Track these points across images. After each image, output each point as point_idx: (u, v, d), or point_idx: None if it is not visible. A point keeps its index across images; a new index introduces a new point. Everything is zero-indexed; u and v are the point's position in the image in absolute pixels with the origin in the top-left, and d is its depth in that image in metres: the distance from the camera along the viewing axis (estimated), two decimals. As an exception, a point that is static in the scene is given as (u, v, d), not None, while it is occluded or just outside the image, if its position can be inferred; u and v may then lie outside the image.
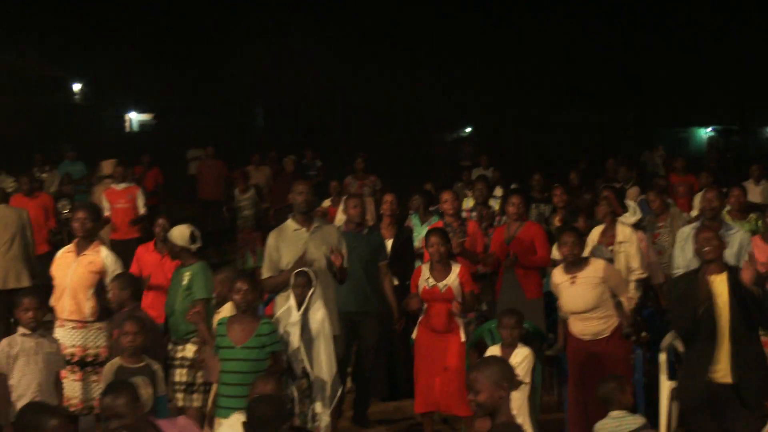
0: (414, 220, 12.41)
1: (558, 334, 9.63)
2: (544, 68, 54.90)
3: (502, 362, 5.95)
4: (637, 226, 11.75)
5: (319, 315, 8.75)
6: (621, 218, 11.35)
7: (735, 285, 7.50)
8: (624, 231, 10.78)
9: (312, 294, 8.73)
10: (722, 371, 7.43)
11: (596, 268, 9.07)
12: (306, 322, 8.69)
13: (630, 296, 9.39)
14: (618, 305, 9.11)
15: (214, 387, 8.43)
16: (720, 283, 7.52)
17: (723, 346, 7.46)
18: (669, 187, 15.39)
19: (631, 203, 12.57)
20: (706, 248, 7.60)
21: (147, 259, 11.07)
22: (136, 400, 5.95)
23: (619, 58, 55.77)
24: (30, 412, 5.65)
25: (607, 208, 11.06)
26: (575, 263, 9.07)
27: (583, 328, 9.03)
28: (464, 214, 12.18)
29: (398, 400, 11.10)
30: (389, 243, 11.16)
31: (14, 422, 5.86)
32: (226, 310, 8.65)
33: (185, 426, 6.24)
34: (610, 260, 9.80)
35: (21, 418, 5.66)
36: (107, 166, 17.49)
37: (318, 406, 8.57)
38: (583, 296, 8.95)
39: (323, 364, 8.72)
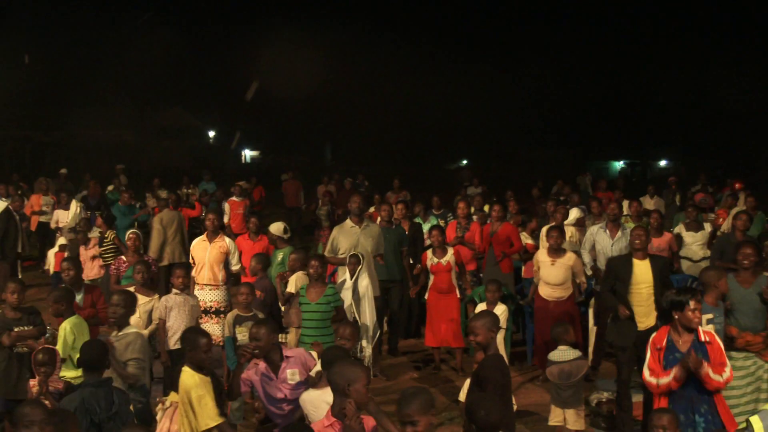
0: (419, 220, 12.63)
1: (530, 292, 9.79)
2: (515, 120, 54.98)
3: (492, 314, 6.17)
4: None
5: (364, 282, 8.89)
6: (566, 221, 11.54)
7: (659, 267, 7.60)
8: (570, 229, 11.02)
9: (360, 269, 8.88)
10: (644, 322, 7.51)
11: (569, 257, 9.32)
12: (356, 287, 8.85)
13: (583, 280, 9.53)
14: (574, 282, 9.39)
15: (293, 330, 8.53)
16: (644, 264, 7.59)
17: (645, 305, 7.55)
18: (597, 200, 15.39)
19: (575, 209, 12.61)
20: (637, 241, 7.69)
21: (243, 244, 11.17)
22: (272, 330, 6.03)
23: (562, 112, 55.76)
24: (189, 332, 5.78)
25: (562, 215, 11.27)
26: (557, 251, 9.31)
27: (550, 292, 9.31)
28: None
29: (415, 338, 11.24)
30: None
31: (180, 339, 5.94)
32: (296, 278, 8.72)
33: (297, 351, 6.28)
34: (577, 252, 9.88)
35: (184, 336, 5.78)
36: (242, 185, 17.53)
37: (364, 343, 8.65)
38: (557, 274, 9.26)
39: (367, 315, 8.83)
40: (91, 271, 11.80)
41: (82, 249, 12.09)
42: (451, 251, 9.93)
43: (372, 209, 14.04)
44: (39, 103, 50.30)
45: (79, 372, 6.85)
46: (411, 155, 48.77)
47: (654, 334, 6.10)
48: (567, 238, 10.81)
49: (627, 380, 7.65)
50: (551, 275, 9.28)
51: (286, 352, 6.11)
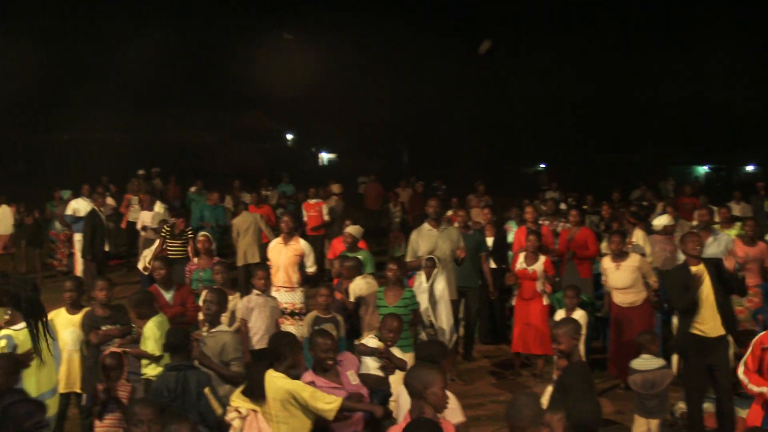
0: (511, 224, 12.52)
1: (605, 302, 9.63)
2: (593, 123, 54.19)
3: (574, 321, 6.03)
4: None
5: (440, 285, 8.87)
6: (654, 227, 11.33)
7: (714, 271, 7.39)
8: (638, 233, 10.85)
9: (436, 272, 8.87)
10: (709, 329, 7.30)
11: (634, 259, 9.16)
12: (432, 290, 8.83)
13: (654, 280, 9.30)
14: (646, 285, 9.17)
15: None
16: (700, 270, 7.39)
17: (708, 311, 7.33)
18: (679, 206, 15.05)
19: (664, 216, 12.27)
20: (698, 247, 7.52)
21: (338, 247, 11.26)
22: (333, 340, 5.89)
23: (641, 115, 54.66)
24: (278, 337, 5.77)
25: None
26: (620, 255, 9.15)
27: (622, 298, 9.15)
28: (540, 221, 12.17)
29: (496, 344, 11.16)
30: (491, 239, 11.26)
31: (269, 345, 5.80)
32: (355, 285, 8.72)
33: (342, 354, 6.25)
34: (643, 254, 9.70)
35: (271, 341, 5.74)
36: (336, 188, 17.67)
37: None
38: (623, 278, 9.08)
39: (443, 318, 8.81)
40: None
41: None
42: (542, 260, 9.73)
43: (450, 213, 14.03)
44: (121, 106, 51.61)
45: (159, 370, 7.01)
46: (488, 159, 48.41)
47: (763, 333, 5.88)
48: (633, 240, 10.63)
49: (695, 390, 7.44)
50: (618, 279, 9.14)
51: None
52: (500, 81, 53.00)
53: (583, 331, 8.60)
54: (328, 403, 5.28)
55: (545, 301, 9.71)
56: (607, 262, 9.30)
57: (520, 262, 9.83)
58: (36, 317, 5.79)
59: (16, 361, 5.12)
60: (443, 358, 5.80)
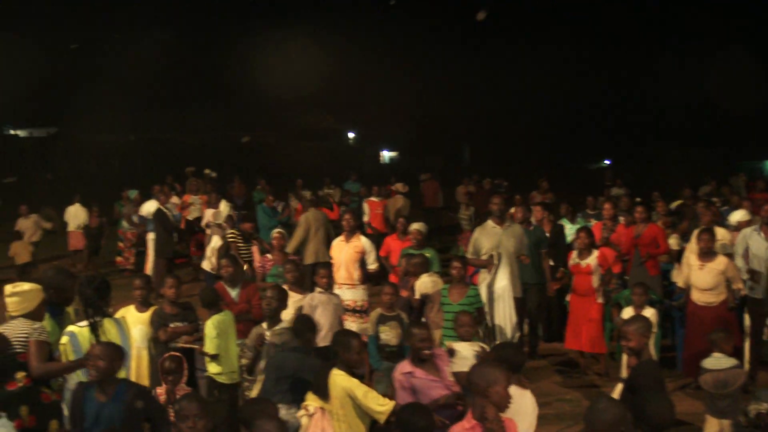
0: (565, 222, 12.39)
1: (684, 296, 9.44)
2: (658, 118, 53.22)
3: (645, 319, 5.94)
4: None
5: (502, 283, 8.83)
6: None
7: None
8: (720, 231, 10.49)
9: (497, 270, 8.83)
10: None
11: (720, 262, 9.00)
12: (492, 287, 8.79)
13: (740, 286, 9.11)
14: (729, 287, 9.02)
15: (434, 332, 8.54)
16: None
17: None
18: (752, 201, 14.66)
19: (740, 211, 11.86)
20: None
21: (392, 244, 11.25)
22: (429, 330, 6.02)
23: (709, 110, 53.40)
24: (341, 334, 5.77)
25: (710, 217, 10.72)
26: (707, 254, 8.99)
27: (700, 297, 9.05)
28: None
29: (558, 342, 11.03)
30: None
31: (332, 340, 5.84)
32: (421, 282, 8.69)
33: (438, 349, 6.26)
34: (730, 255, 9.46)
35: (336, 338, 5.72)
36: (400, 187, 17.69)
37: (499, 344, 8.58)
38: (706, 279, 8.98)
39: (503, 315, 8.74)
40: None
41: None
42: (595, 254, 9.62)
43: (513, 209, 13.92)
44: (179, 107, 52.46)
45: (220, 369, 7.10)
46: (551, 155, 47.92)
47: None
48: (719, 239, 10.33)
49: None
50: (699, 279, 8.98)
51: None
52: (563, 77, 52.41)
53: (654, 330, 8.46)
54: (381, 405, 5.29)
55: (599, 299, 9.55)
56: (692, 259, 9.13)
57: (573, 258, 9.77)
58: (93, 315, 5.95)
59: (120, 348, 5.22)
60: (521, 365, 5.77)
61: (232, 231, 12.33)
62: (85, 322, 5.95)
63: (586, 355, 9.87)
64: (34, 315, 5.65)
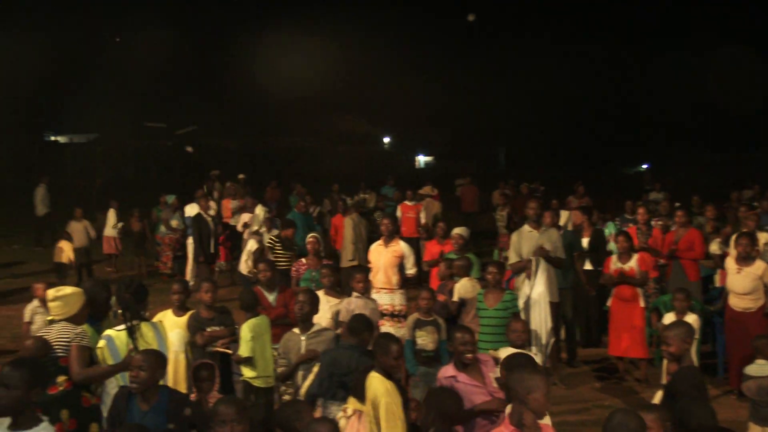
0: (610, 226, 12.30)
1: (721, 300, 9.31)
2: (698, 121, 52.58)
3: (687, 324, 5.87)
4: None
5: (538, 288, 8.73)
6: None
7: None
8: (764, 236, 10.37)
9: (534, 274, 8.76)
10: None
11: (758, 267, 8.88)
12: (529, 293, 8.73)
13: None
14: (767, 292, 8.89)
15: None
16: None
17: None
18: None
19: None
20: None
21: (432, 249, 11.21)
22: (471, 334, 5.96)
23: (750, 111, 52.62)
24: (381, 338, 5.72)
25: (754, 222, 10.59)
26: (745, 259, 8.88)
27: (737, 302, 8.95)
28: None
29: (597, 348, 10.92)
30: (586, 240, 11.07)
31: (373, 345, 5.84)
32: (461, 285, 8.66)
33: (483, 355, 6.21)
34: None
35: (375, 341, 5.71)
36: (428, 189, 17.67)
37: (534, 349, 8.51)
38: (743, 284, 8.88)
39: (539, 321, 8.67)
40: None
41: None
42: (635, 258, 9.55)
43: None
44: (223, 112, 52.89)
45: (256, 372, 7.11)
46: (588, 159, 47.62)
47: None
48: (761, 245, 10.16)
49: None
50: (736, 284, 8.88)
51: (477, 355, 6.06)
52: (601, 80, 52.05)
53: (696, 336, 8.33)
54: (391, 428, 5.21)
55: (642, 303, 9.45)
56: (729, 263, 9.02)
57: (614, 262, 9.69)
58: (131, 319, 5.97)
59: (162, 356, 5.20)
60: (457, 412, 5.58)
61: (271, 236, 12.38)
62: (122, 326, 5.99)
63: (626, 360, 9.77)
64: (75, 319, 5.70)
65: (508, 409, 4.69)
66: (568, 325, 10.37)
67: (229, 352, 7.24)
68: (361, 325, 6.19)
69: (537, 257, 8.92)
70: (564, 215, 12.39)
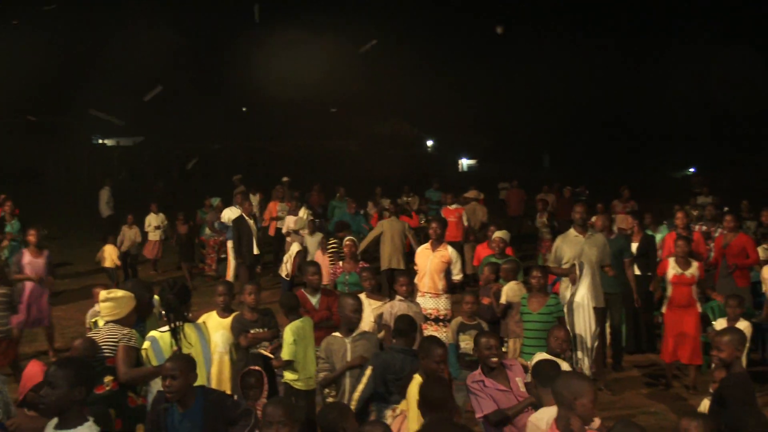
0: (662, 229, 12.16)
1: (764, 310, 9.14)
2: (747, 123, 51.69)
3: (739, 332, 5.76)
4: None
5: (581, 292, 8.66)
6: None
7: None
8: None
9: (578, 279, 8.69)
10: None
11: None
12: (573, 296, 8.65)
13: None
14: None
15: (513, 340, 8.49)
16: None
17: None
18: None
19: None
20: None
21: (482, 253, 11.17)
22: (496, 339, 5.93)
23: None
24: (426, 341, 5.77)
25: None
26: None
27: None
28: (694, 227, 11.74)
29: (644, 353, 10.78)
30: (635, 245, 10.91)
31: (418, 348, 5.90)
32: (509, 288, 8.65)
33: (513, 360, 6.20)
34: None
35: (420, 344, 5.76)
36: (472, 193, 17.64)
37: (579, 354, 8.44)
38: None
39: (583, 325, 8.59)
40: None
41: (318, 253, 12.60)
42: (696, 265, 9.36)
43: (594, 219, 13.70)
44: (266, 116, 53.27)
45: (297, 375, 7.14)
46: (634, 163, 47.06)
47: None
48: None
49: None
50: None
51: (503, 360, 6.04)
52: (646, 84, 51.41)
53: (747, 343, 8.18)
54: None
55: (699, 309, 9.31)
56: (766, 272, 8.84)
57: (673, 267, 9.45)
58: (175, 319, 6.03)
59: (191, 360, 5.16)
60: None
61: (334, 240, 12.53)
62: (166, 327, 6.06)
63: (674, 366, 9.62)
64: (124, 321, 5.79)
65: (548, 412, 4.66)
66: (615, 331, 10.25)
67: (271, 356, 7.26)
68: (408, 326, 6.23)
69: (581, 262, 8.84)
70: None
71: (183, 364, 4.95)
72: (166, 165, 38.85)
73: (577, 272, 8.87)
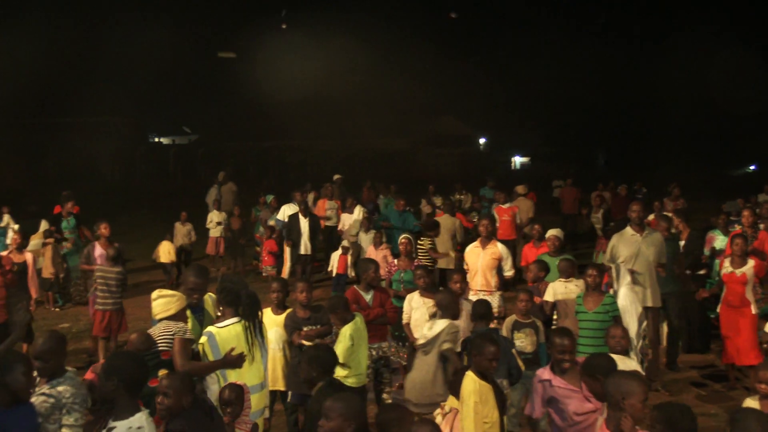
0: (716, 233, 11.94)
1: None
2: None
3: None
4: None
5: (622, 292, 8.55)
6: None
7: None
8: None
9: (615, 280, 8.61)
10: None
11: None
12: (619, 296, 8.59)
13: None
14: None
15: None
16: None
17: None
18: None
19: None
20: None
21: (528, 253, 11.12)
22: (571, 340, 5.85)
23: None
24: (478, 338, 5.74)
25: None
26: None
27: None
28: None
29: (702, 354, 10.62)
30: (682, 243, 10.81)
31: (469, 343, 5.92)
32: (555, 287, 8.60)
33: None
34: None
35: (472, 341, 5.76)
36: (520, 189, 17.59)
37: (631, 354, 8.36)
38: None
39: (631, 325, 8.50)
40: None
41: (371, 249, 12.66)
42: (751, 263, 9.13)
43: (651, 217, 13.51)
44: (320, 114, 53.51)
45: (347, 371, 7.17)
46: (692, 161, 46.19)
47: None
48: None
49: None
50: None
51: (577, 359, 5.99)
52: (702, 82, 50.43)
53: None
54: (473, 428, 5.23)
55: (754, 309, 9.08)
56: None
57: (726, 266, 9.24)
58: (254, 315, 6.00)
59: (188, 380, 5.11)
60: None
61: (423, 238, 12.82)
62: (223, 323, 5.99)
63: (735, 368, 9.44)
64: (176, 318, 5.88)
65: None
66: (673, 331, 10.11)
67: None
68: (486, 309, 6.80)
69: (617, 265, 8.74)
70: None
71: (178, 384, 4.90)
72: (220, 163, 39.26)
73: (613, 275, 8.77)
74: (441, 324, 7.05)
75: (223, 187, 20.25)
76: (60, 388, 4.90)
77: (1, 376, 4.56)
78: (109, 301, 10.53)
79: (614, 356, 6.37)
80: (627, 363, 6.24)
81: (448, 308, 7.19)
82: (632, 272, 8.74)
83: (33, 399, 4.81)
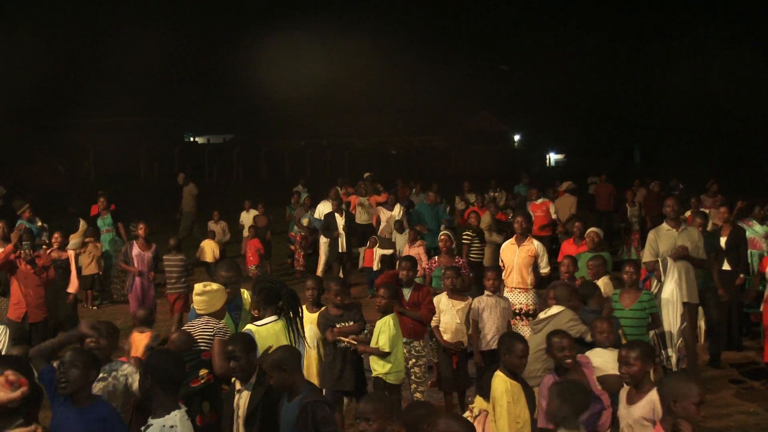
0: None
1: None
2: None
3: None
4: None
5: (669, 287, 8.47)
6: None
7: None
8: None
9: (663, 274, 8.50)
10: None
11: None
12: (659, 293, 8.48)
13: None
14: None
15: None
16: None
17: None
18: None
19: None
20: None
21: (568, 249, 11.05)
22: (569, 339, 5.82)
23: None
24: (507, 336, 5.75)
25: None
26: None
27: None
28: None
29: (740, 351, 10.49)
30: (723, 239, 10.64)
31: (498, 342, 5.87)
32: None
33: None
34: None
35: (501, 340, 5.72)
36: (565, 185, 17.56)
37: (669, 351, 8.27)
38: None
39: (670, 322, 8.41)
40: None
41: (406, 246, 12.66)
42: None
43: (688, 213, 13.36)
44: (350, 113, 53.62)
45: (388, 368, 7.16)
46: (730, 156, 45.55)
47: None
48: None
49: None
50: None
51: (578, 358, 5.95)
52: (742, 74, 49.66)
53: None
54: (505, 428, 5.22)
55: None
56: None
57: None
58: (295, 311, 5.97)
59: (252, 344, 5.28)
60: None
61: (468, 232, 13.15)
62: (262, 321, 5.96)
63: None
64: (217, 314, 5.90)
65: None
66: (714, 328, 9.99)
67: (354, 343, 7.28)
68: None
69: (664, 257, 8.66)
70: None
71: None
72: (254, 162, 39.46)
73: (660, 268, 8.68)
74: (556, 308, 7.01)
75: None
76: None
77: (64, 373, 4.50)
78: (176, 285, 11.72)
79: (598, 350, 6.31)
80: (606, 355, 6.20)
81: (564, 301, 7.15)
82: (682, 248, 8.66)
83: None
